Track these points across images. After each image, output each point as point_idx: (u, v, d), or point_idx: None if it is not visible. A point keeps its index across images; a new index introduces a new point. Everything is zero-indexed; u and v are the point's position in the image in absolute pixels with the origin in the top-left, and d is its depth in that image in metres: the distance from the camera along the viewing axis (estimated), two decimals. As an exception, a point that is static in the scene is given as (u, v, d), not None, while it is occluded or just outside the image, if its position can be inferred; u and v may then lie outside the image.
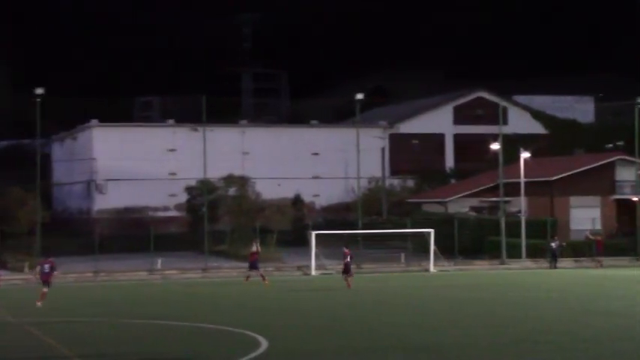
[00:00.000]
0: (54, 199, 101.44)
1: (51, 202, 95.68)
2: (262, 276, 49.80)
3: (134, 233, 75.77)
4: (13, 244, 66.20)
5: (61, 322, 34.59)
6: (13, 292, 47.73)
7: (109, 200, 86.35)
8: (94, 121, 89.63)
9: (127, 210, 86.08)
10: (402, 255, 63.13)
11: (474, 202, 75.63)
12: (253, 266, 50.45)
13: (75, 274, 56.04)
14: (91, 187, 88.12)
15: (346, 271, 47.33)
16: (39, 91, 58.55)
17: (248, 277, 50.28)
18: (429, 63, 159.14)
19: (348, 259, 47.67)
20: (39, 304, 39.15)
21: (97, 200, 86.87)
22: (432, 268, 58.45)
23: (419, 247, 62.99)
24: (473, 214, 72.99)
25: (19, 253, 61.59)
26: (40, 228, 60.56)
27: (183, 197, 79.12)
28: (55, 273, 41.83)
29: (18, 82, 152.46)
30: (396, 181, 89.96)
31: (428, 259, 58.99)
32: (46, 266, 40.99)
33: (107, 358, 25.91)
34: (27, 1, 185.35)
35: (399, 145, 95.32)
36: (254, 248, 50.86)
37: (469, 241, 65.67)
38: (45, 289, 40.16)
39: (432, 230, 59.23)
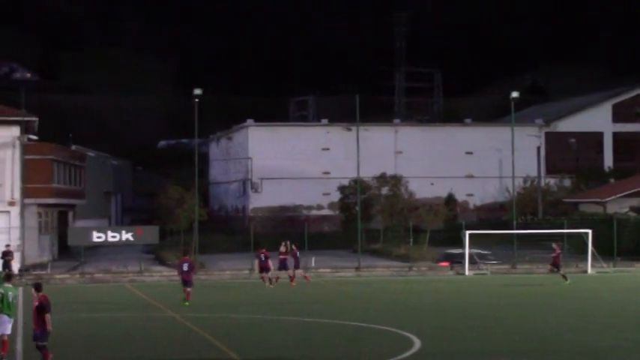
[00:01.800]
0: (210, 197, 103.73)
1: (208, 200, 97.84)
2: (291, 277, 49.45)
3: (288, 231, 76.66)
4: (172, 241, 67.94)
5: (220, 318, 35.25)
6: (172, 288, 48.91)
7: (263, 199, 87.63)
8: (250, 121, 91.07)
9: (282, 208, 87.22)
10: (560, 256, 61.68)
11: (635, 202, 73.32)
12: (283, 266, 49.86)
13: (231, 272, 57.06)
14: (246, 185, 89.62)
15: (296, 266, 50.41)
16: (197, 91, 59.71)
17: (277, 278, 49.62)
18: (587, 59, 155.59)
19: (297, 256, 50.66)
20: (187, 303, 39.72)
21: (252, 199, 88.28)
22: (589, 269, 56.96)
23: (576, 248, 61.43)
24: (633, 214, 70.75)
25: (177, 250, 63.01)
26: (198, 226, 61.82)
27: (336, 196, 79.53)
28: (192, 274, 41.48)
29: (178, 83, 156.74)
30: (552, 181, 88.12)
31: (585, 260, 57.50)
32: (185, 265, 41.02)
33: (264, 358, 26.22)
34: (185, 3, 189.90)
35: (556, 144, 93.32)
36: (282, 248, 50.58)
37: (629, 242, 63.59)
38: (188, 289, 40.25)
39: (589, 231, 57.70)
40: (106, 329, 32.26)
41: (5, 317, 25.17)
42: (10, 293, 25.31)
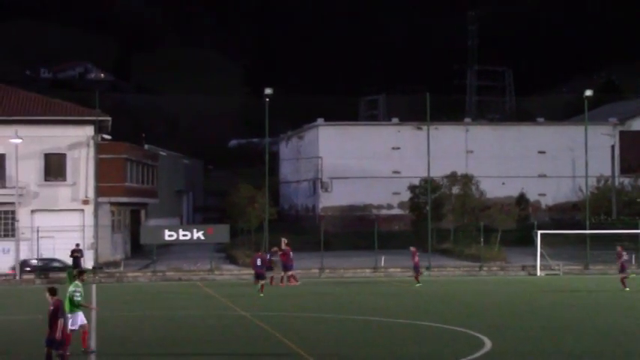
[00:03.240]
0: (281, 196, 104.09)
1: (278, 199, 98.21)
2: (271, 278, 48.64)
3: (358, 230, 76.65)
4: (242, 240, 68.34)
5: (290, 317, 35.34)
6: (242, 286, 49.22)
7: (333, 198, 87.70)
8: (320, 120, 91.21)
9: (351, 208, 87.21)
10: (633, 256, 60.77)
11: None
12: (287, 267, 49.66)
13: (301, 270, 57.13)
14: (316, 185, 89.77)
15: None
16: (268, 91, 60.00)
17: (280, 278, 49.47)
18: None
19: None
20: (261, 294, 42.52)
21: (322, 198, 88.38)
22: (665, 270, 56.01)
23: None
24: None
25: (248, 249, 63.42)
26: (268, 225, 62.06)
27: (406, 195, 79.27)
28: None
29: (249, 83, 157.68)
30: (626, 180, 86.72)
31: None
32: (259, 260, 44.28)
33: (333, 356, 26.22)
34: (256, 4, 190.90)
35: (631, 143, 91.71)
36: (282, 248, 50.24)
37: None
38: (261, 282, 43.39)
39: (664, 231, 56.79)
40: (177, 327, 32.55)
41: (78, 313, 25.79)
42: (71, 290, 25.94)
